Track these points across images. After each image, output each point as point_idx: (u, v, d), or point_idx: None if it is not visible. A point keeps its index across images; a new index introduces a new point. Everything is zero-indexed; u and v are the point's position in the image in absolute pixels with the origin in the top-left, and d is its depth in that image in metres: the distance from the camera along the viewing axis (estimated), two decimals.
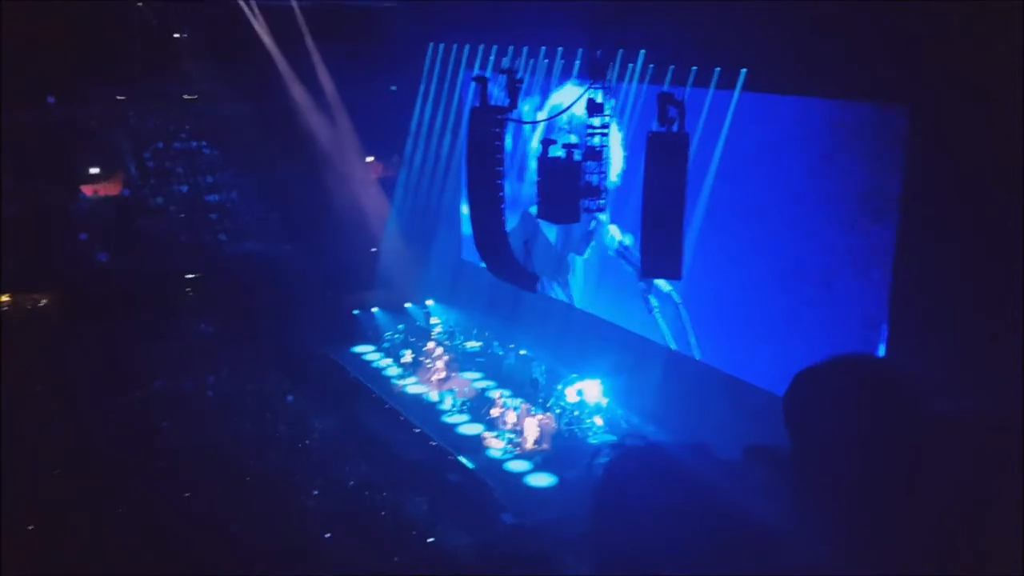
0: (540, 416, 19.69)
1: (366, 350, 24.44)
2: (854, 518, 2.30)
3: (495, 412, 19.97)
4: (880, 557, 2.27)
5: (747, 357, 17.75)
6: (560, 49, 21.14)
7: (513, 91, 17.45)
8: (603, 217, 19.70)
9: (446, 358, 22.97)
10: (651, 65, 18.79)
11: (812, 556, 2.12)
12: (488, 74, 20.18)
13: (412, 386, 22.23)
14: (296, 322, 23.64)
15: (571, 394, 20.17)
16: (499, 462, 18.56)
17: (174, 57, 26.51)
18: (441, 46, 25.47)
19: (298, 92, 25.52)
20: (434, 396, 21.41)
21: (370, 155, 28.44)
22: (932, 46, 12.88)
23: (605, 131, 16.80)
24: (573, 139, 17.77)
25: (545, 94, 21.99)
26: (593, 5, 17.46)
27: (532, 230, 21.73)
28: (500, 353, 23.62)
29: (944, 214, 13.38)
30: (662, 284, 19.42)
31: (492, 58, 23.24)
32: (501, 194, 18.08)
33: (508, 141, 19.45)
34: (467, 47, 24.44)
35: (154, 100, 27.77)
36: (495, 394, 21.03)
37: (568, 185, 16.83)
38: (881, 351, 15.03)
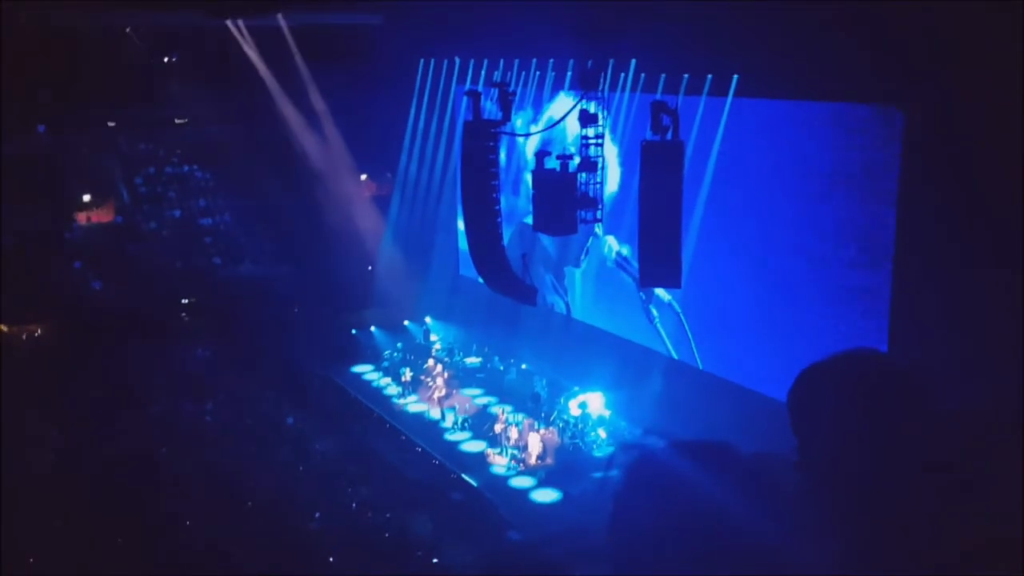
0: (543, 431, 19.56)
1: (365, 369, 24.27)
2: (861, 516, 2.28)
3: (498, 428, 19.81)
4: (885, 557, 2.24)
5: (750, 364, 17.62)
6: (551, 61, 21.11)
7: (506, 104, 17.38)
8: (600, 228, 19.61)
9: (446, 375, 22.84)
10: (643, 74, 18.74)
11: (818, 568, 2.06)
12: (480, 88, 20.09)
13: (413, 404, 22.07)
14: (294, 343, 23.52)
15: (574, 407, 20.04)
16: (503, 478, 18.39)
17: (164, 82, 26.55)
18: (432, 61, 25.45)
19: (289, 112, 25.49)
20: (435, 414, 21.24)
21: (363, 173, 28.40)
22: (924, 44, 12.83)
23: (599, 141, 16.71)
24: (571, 150, 17.66)
25: (538, 107, 21.94)
26: (583, 15, 17.40)
27: (530, 243, 21.63)
28: (501, 368, 23.48)
29: (943, 213, 13.28)
30: (662, 294, 19.33)
31: (483, 72, 23.20)
32: (497, 208, 17.98)
33: (502, 155, 19.37)
34: (458, 61, 24.42)
35: (145, 125, 27.79)
36: (498, 410, 20.86)
37: (564, 196, 16.72)
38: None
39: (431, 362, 23.64)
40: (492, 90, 18.58)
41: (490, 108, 18.45)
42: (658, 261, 15.91)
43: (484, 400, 22.06)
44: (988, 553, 2.25)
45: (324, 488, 17.84)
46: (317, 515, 16.56)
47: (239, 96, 25.00)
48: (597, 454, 18.94)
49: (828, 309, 15.82)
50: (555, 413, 20.17)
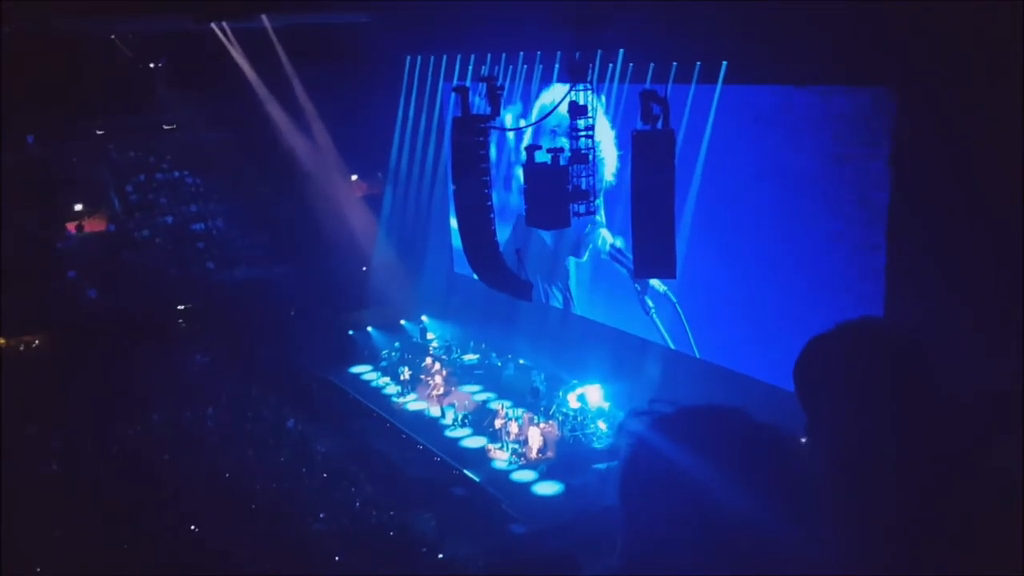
0: (543, 424, 19.57)
1: (364, 370, 24.27)
2: (872, 495, 2.28)
3: (498, 423, 19.82)
4: (890, 544, 2.24)
5: (747, 351, 17.64)
6: (539, 54, 21.07)
7: (494, 99, 17.34)
8: (602, 217, 19.64)
9: (444, 373, 22.85)
10: (631, 64, 18.71)
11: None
12: (468, 83, 20.06)
13: (412, 403, 22.08)
14: (292, 346, 23.50)
15: (573, 400, 20.06)
16: (505, 473, 18.41)
17: (151, 88, 26.44)
18: (419, 58, 25.39)
19: (278, 114, 25.40)
20: (435, 411, 21.25)
21: (354, 173, 28.34)
22: (914, 26, 12.82)
23: (590, 133, 16.67)
24: (562, 142, 17.60)
25: (527, 101, 21.90)
26: (569, 6, 17.35)
27: (524, 238, 21.61)
28: (498, 364, 23.49)
29: (937, 196, 13.29)
30: (657, 284, 19.31)
31: (471, 67, 23.15)
32: (489, 203, 17.94)
33: (492, 150, 19.34)
34: (445, 58, 24.37)
35: (134, 132, 27.70)
36: (497, 405, 20.86)
37: (556, 190, 16.69)
38: None
39: (429, 360, 23.64)
40: (480, 85, 18.54)
41: (479, 103, 18.41)
42: (652, 251, 15.87)
43: (483, 396, 22.08)
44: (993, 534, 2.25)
45: (327, 488, 17.85)
46: (321, 515, 16.56)
47: (227, 100, 24.90)
48: (597, 446, 18.96)
49: (824, 293, 15.83)
50: (554, 407, 20.19)
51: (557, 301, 22.61)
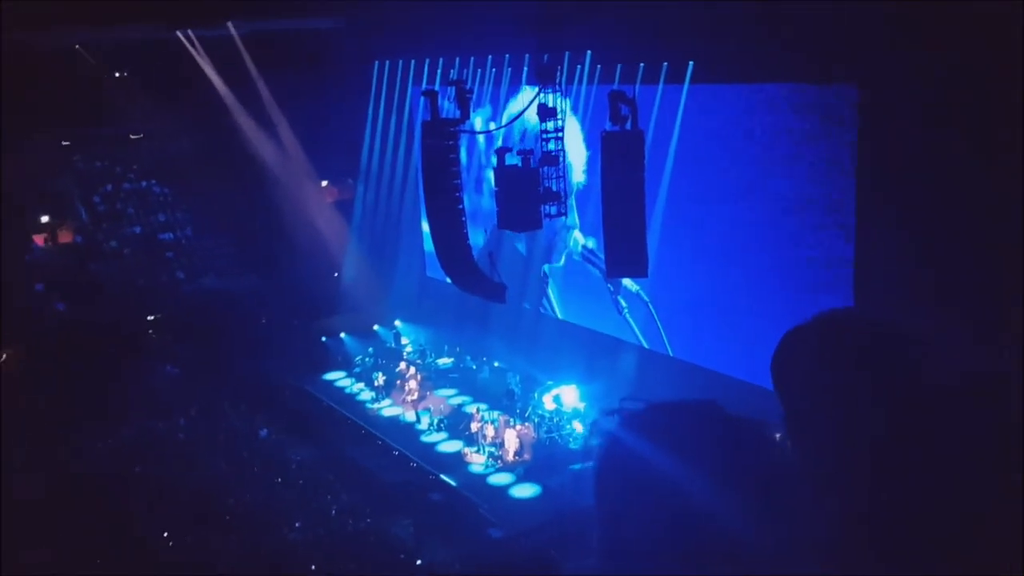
0: (519, 427, 19.55)
1: (337, 376, 24.11)
2: (850, 488, 2.24)
3: (474, 427, 19.78)
4: (875, 540, 2.20)
5: (721, 349, 17.74)
6: (507, 56, 21.09)
7: (463, 102, 17.30)
8: (576, 219, 19.68)
9: (419, 377, 22.75)
10: (599, 65, 18.79)
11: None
12: (437, 87, 20.02)
13: (387, 408, 21.96)
14: (264, 354, 23.30)
15: (548, 401, 20.07)
16: (482, 477, 18.36)
17: (117, 97, 26.15)
18: (387, 63, 25.32)
19: (245, 122, 25.24)
20: (410, 416, 21.15)
21: (324, 179, 28.21)
22: (877, 23, 12.96)
23: (560, 135, 16.69)
24: (532, 145, 17.62)
25: (496, 104, 21.90)
26: (535, 9, 17.38)
27: (496, 241, 21.60)
28: (473, 367, 23.43)
29: (903, 189, 13.44)
30: (630, 284, 19.38)
31: (439, 71, 23.13)
32: (460, 207, 17.90)
33: (463, 153, 19.31)
34: (413, 62, 24.33)
35: (99, 142, 27.42)
36: (473, 408, 20.82)
37: (527, 192, 16.70)
38: None
39: (403, 365, 23.54)
40: (449, 89, 18.51)
41: (448, 107, 18.38)
42: (624, 251, 15.92)
43: (458, 400, 22.00)
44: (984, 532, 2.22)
45: (302, 497, 17.73)
46: (297, 524, 16.45)
47: (194, 108, 24.73)
48: (573, 447, 18.97)
49: (794, 289, 15.94)
50: (530, 409, 20.17)
51: (532, 304, 22.59)
